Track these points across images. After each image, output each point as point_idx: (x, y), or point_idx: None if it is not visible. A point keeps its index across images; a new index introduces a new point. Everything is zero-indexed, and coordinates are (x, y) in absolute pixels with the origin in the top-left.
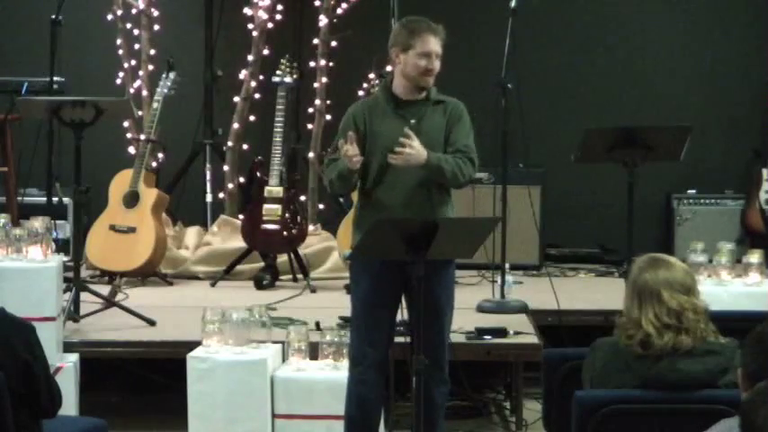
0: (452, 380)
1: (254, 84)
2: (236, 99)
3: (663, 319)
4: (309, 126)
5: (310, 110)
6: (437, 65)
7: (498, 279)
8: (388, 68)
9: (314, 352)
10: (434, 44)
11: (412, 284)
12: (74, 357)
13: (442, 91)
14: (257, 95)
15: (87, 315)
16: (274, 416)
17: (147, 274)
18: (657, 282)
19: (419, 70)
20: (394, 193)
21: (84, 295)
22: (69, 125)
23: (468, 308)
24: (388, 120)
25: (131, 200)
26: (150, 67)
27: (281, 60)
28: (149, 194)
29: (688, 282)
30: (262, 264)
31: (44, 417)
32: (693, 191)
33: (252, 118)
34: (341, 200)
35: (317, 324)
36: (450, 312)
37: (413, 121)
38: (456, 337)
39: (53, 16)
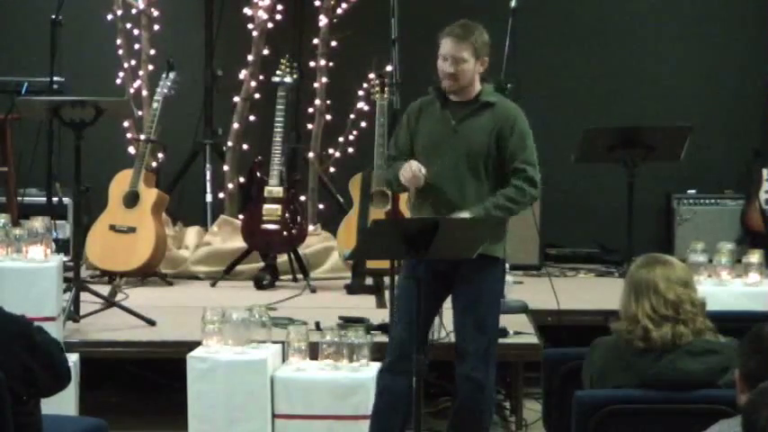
0: (452, 380)
1: (254, 84)
2: (236, 99)
3: (660, 311)
4: (309, 126)
5: (310, 110)
6: (460, 69)
7: None
8: (388, 68)
9: (314, 352)
10: (452, 47)
11: (455, 283)
12: (74, 357)
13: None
14: (257, 95)
15: (87, 315)
16: (274, 416)
17: (147, 274)
18: (655, 276)
19: (442, 72)
20: (432, 194)
21: (84, 295)
22: (69, 125)
23: None
24: (433, 119)
25: (131, 200)
26: (150, 67)
27: (281, 60)
28: (149, 194)
29: (685, 276)
30: (262, 264)
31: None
32: (693, 191)
33: (252, 118)
34: (341, 200)
35: (317, 324)
36: (492, 312)
37: (453, 122)
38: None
39: (53, 16)
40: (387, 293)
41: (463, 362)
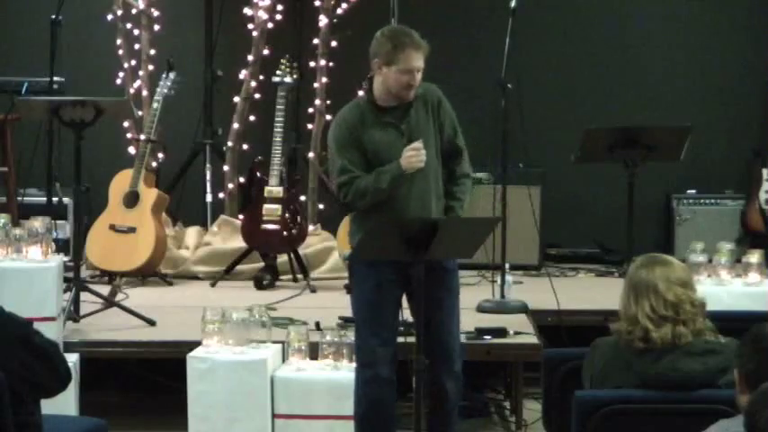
0: None
1: (254, 84)
2: (236, 99)
3: (660, 311)
4: (309, 126)
5: (310, 110)
6: (419, 78)
7: (498, 279)
8: None
9: (314, 352)
10: (417, 60)
11: (413, 283)
12: (74, 357)
13: (441, 90)
14: (257, 95)
15: (87, 315)
16: (274, 416)
17: (147, 274)
18: (654, 276)
19: (401, 85)
20: (399, 203)
21: (84, 295)
22: (69, 125)
23: (469, 308)
24: (378, 130)
25: (131, 200)
26: (150, 67)
27: (281, 60)
28: (149, 194)
29: (685, 277)
30: (262, 264)
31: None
32: (693, 191)
33: (252, 118)
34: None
35: (317, 324)
36: (456, 304)
37: (403, 126)
38: None
39: (53, 16)
40: None
41: (449, 360)
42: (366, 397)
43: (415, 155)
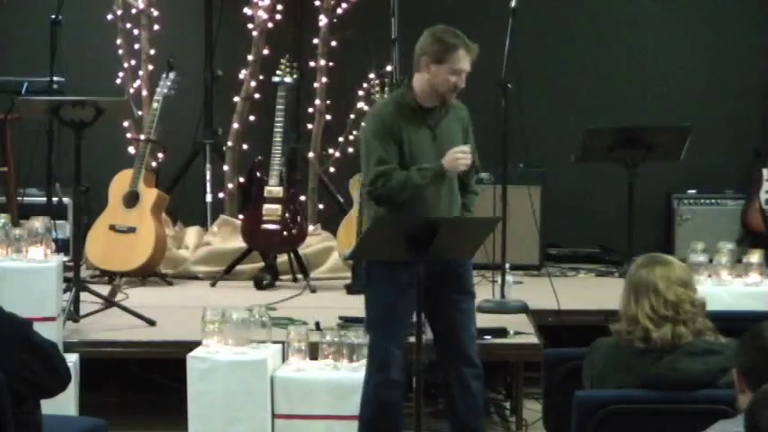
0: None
1: (254, 84)
2: (236, 99)
3: (660, 311)
4: (309, 126)
5: (310, 110)
6: (464, 82)
7: (498, 279)
8: (388, 68)
9: (314, 352)
10: (467, 63)
11: (431, 284)
12: (74, 357)
13: None
14: (257, 95)
15: (87, 315)
16: (274, 416)
17: (147, 274)
18: (654, 276)
19: (448, 86)
20: (425, 204)
21: (84, 295)
22: (69, 125)
23: None
24: (413, 129)
25: (131, 200)
26: (150, 67)
27: (281, 60)
28: (149, 194)
29: (685, 277)
30: (262, 264)
31: (51, 395)
32: (693, 191)
33: (252, 118)
34: (341, 200)
35: (317, 324)
36: (473, 305)
37: (437, 130)
38: None
39: (53, 16)
40: None
41: (471, 361)
42: (377, 400)
43: (462, 157)
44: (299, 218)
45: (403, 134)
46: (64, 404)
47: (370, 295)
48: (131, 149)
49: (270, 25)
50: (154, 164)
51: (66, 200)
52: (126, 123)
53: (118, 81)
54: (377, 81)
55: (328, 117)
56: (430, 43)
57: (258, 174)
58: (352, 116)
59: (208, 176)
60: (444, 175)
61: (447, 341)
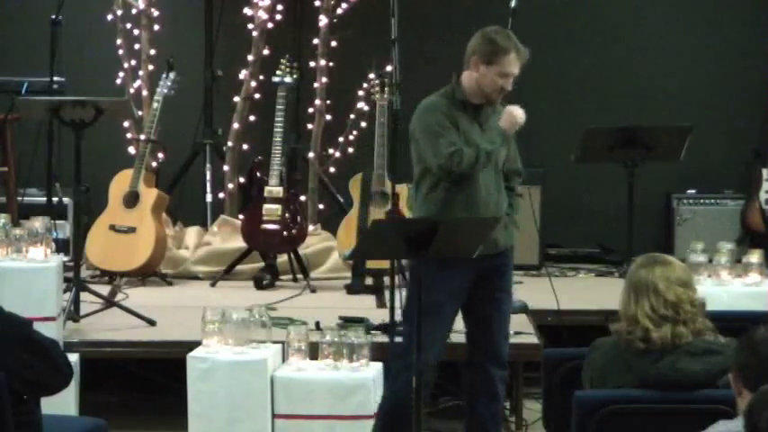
0: (452, 380)
1: (254, 84)
2: (236, 99)
3: (660, 311)
4: (309, 126)
5: (310, 110)
6: (511, 84)
7: None
8: (388, 68)
9: (314, 352)
10: (516, 66)
11: (479, 283)
12: (74, 357)
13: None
14: (257, 95)
15: (87, 315)
16: (274, 416)
17: (147, 274)
18: (654, 276)
19: (494, 87)
20: (479, 194)
21: (84, 295)
22: (69, 125)
23: None
24: (462, 121)
25: (131, 200)
26: (150, 67)
27: (281, 60)
28: (149, 194)
29: (685, 277)
30: (262, 264)
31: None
32: (693, 191)
33: (252, 118)
34: (341, 200)
35: (317, 324)
36: (510, 307)
37: (485, 126)
38: (456, 337)
39: (53, 16)
40: (387, 293)
41: (501, 362)
42: (400, 393)
43: (520, 114)
44: (299, 218)
45: (459, 123)
46: (64, 404)
47: (413, 290)
48: (131, 149)
49: (270, 25)
50: (154, 164)
51: (66, 200)
52: (126, 123)
53: (118, 81)
54: (377, 81)
55: (328, 117)
56: (481, 44)
57: (258, 174)
58: (352, 116)
59: (208, 176)
60: (506, 137)
61: (481, 340)
